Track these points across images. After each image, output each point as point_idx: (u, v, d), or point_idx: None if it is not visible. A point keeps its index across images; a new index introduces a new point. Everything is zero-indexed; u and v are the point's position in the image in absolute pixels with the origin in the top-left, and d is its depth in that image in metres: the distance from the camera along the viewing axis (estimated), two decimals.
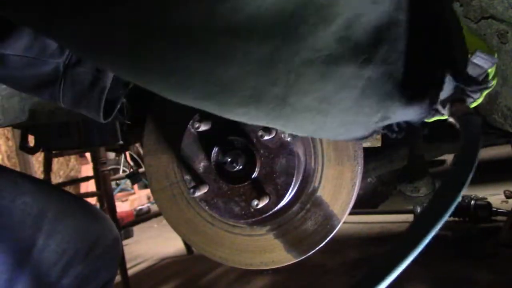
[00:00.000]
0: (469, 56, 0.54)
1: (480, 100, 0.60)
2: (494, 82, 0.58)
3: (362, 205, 2.33)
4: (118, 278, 2.31)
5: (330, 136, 0.52)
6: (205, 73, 0.38)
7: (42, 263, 0.69)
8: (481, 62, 0.54)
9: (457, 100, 0.53)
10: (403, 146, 1.57)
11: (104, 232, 0.81)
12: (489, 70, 0.56)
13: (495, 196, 2.39)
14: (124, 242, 2.79)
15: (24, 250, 0.68)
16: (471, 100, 0.58)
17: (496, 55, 0.55)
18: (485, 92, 0.59)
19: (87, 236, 0.76)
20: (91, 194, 2.89)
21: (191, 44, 0.36)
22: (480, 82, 0.51)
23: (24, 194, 0.71)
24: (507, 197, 2.35)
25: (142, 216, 3.26)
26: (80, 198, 0.88)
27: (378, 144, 0.92)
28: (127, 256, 2.25)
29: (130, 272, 2.33)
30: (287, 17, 0.36)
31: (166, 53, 0.37)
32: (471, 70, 0.54)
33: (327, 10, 0.36)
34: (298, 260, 0.90)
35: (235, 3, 0.34)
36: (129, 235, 3.65)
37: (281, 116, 0.43)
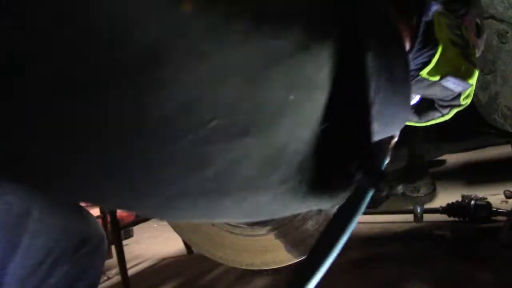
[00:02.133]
0: (438, 79, 0.52)
1: (448, 116, 0.59)
2: (467, 101, 0.56)
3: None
4: (118, 278, 2.31)
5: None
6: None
7: (27, 263, 0.69)
8: (451, 86, 0.53)
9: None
10: (403, 146, 1.57)
11: (90, 231, 0.81)
12: (466, 91, 0.55)
13: (495, 196, 2.39)
14: (124, 242, 2.79)
15: (8, 250, 0.68)
16: (439, 114, 0.58)
17: (474, 76, 0.54)
18: (455, 110, 0.58)
19: (73, 235, 0.77)
20: None
21: None
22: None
23: (6, 194, 0.71)
24: (507, 197, 2.35)
25: (142, 216, 3.26)
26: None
27: None
28: (127, 256, 2.25)
29: (130, 272, 2.33)
30: None
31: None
32: (440, 92, 0.53)
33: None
34: (299, 260, 0.90)
35: None
36: (129, 235, 3.65)
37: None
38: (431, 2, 0.51)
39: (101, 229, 0.86)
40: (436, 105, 0.58)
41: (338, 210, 0.49)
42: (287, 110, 0.36)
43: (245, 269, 0.99)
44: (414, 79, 0.53)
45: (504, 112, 0.97)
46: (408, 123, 0.61)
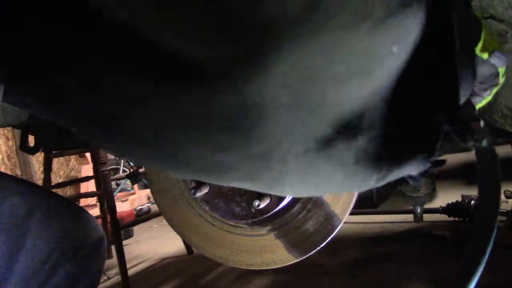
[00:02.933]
0: (488, 56, 0.54)
1: (489, 98, 0.60)
2: (502, 80, 0.57)
3: (362, 205, 2.34)
4: (118, 278, 2.31)
5: (331, 192, 0.54)
6: (204, 158, 0.40)
7: (31, 263, 0.70)
8: (497, 62, 0.55)
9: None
10: None
11: (91, 231, 0.82)
12: (503, 68, 0.56)
13: None
14: (124, 242, 2.79)
15: (13, 249, 0.69)
16: (480, 98, 0.58)
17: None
18: (495, 90, 0.58)
19: (74, 236, 0.78)
20: (91, 194, 2.89)
21: (192, 136, 0.38)
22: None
23: (12, 195, 0.72)
24: (507, 197, 2.35)
25: (142, 216, 3.26)
26: (66, 198, 0.90)
27: None
28: (127, 256, 2.25)
29: (130, 272, 2.33)
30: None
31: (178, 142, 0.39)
32: (487, 69, 0.54)
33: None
34: (299, 260, 0.90)
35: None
36: (129, 235, 3.64)
37: (277, 188, 0.45)
38: None
39: (101, 229, 0.87)
40: (476, 90, 0.58)
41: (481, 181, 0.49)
42: (389, 59, 0.37)
43: (245, 269, 0.99)
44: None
45: (504, 112, 0.97)
46: None
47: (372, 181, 0.44)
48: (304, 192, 0.48)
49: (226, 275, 2.10)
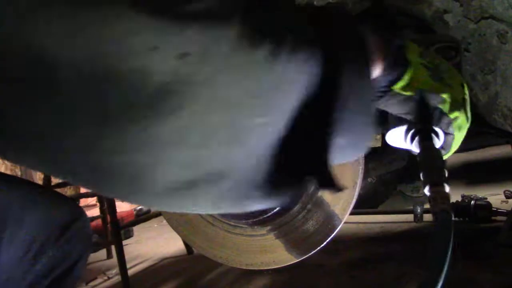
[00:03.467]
0: (412, 93, 0.57)
1: (458, 135, 0.62)
2: (455, 114, 0.60)
3: (362, 205, 2.34)
4: (118, 278, 2.31)
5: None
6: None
7: (12, 254, 0.70)
8: (428, 98, 0.58)
9: (435, 183, 0.57)
10: None
11: (72, 215, 0.82)
12: (445, 105, 0.59)
13: (495, 196, 2.39)
14: (124, 242, 2.79)
15: None
16: (451, 137, 0.61)
17: (448, 93, 0.59)
18: (456, 123, 0.61)
19: (56, 222, 0.78)
20: (91, 194, 2.89)
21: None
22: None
23: None
24: (507, 197, 2.36)
25: (142, 216, 3.26)
26: (41, 185, 0.90)
27: (379, 144, 0.92)
28: (127, 256, 2.25)
29: (130, 272, 2.33)
30: None
31: None
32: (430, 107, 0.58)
33: None
34: (299, 260, 0.90)
35: None
36: (129, 235, 3.65)
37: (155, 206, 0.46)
38: (403, 30, 0.56)
39: (83, 211, 0.87)
40: (443, 132, 0.62)
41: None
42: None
43: (245, 269, 0.99)
44: (386, 94, 0.58)
45: (504, 112, 0.97)
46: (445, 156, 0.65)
47: (234, 210, 0.47)
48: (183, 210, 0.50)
49: (226, 275, 2.10)
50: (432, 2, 0.96)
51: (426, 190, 0.59)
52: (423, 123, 0.61)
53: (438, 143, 0.62)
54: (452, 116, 0.59)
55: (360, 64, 0.47)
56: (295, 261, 0.91)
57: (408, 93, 0.58)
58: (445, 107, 0.59)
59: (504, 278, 1.49)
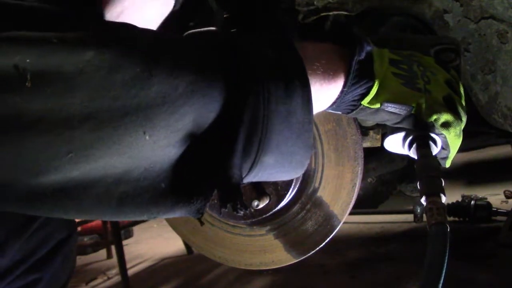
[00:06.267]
0: (379, 106, 0.58)
1: (452, 147, 0.63)
2: (434, 117, 0.60)
3: (362, 205, 2.34)
4: (118, 278, 2.32)
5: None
6: None
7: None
8: (394, 110, 0.59)
9: (432, 194, 0.58)
10: None
11: (69, 229, 0.79)
12: (439, 119, 0.60)
13: (495, 196, 2.39)
14: (124, 242, 2.79)
15: None
16: (446, 152, 0.62)
17: (419, 99, 0.60)
18: (449, 135, 0.61)
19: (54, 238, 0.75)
20: None
21: None
22: None
23: None
24: (507, 197, 2.35)
25: None
26: None
27: (378, 144, 0.92)
28: (127, 256, 2.25)
29: (130, 272, 2.33)
30: None
31: None
32: (388, 116, 0.60)
33: None
34: (298, 260, 0.90)
35: None
36: (129, 235, 3.65)
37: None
38: (364, 44, 0.58)
39: (75, 223, 0.84)
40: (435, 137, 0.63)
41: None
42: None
43: (245, 269, 0.99)
44: (356, 108, 0.59)
45: (504, 112, 0.97)
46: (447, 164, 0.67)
47: (144, 217, 0.48)
48: (85, 217, 0.51)
49: (226, 275, 2.10)
50: (432, 2, 0.96)
51: (423, 200, 0.60)
52: (420, 130, 0.61)
53: (435, 149, 0.62)
54: (430, 119, 0.59)
55: (287, 85, 0.47)
56: (294, 261, 0.90)
57: (375, 107, 0.59)
58: (420, 112, 0.59)
59: (504, 278, 1.49)
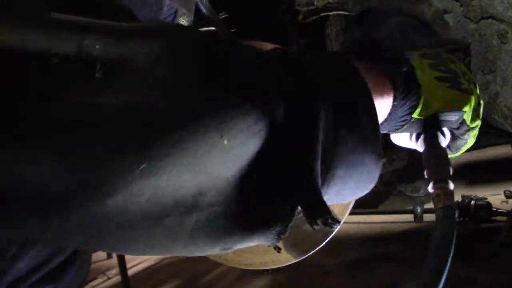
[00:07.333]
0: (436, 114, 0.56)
1: (471, 140, 0.62)
2: (476, 123, 0.59)
3: (362, 205, 2.34)
4: (118, 278, 2.31)
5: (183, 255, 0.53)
6: None
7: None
8: (446, 118, 0.57)
9: (440, 180, 0.56)
10: None
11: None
12: (467, 116, 0.58)
13: (495, 196, 2.39)
14: None
15: None
16: (464, 141, 0.61)
17: (469, 102, 0.57)
18: (473, 133, 0.60)
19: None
20: None
21: None
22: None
23: None
24: (507, 197, 2.35)
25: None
26: None
27: None
28: (127, 256, 2.25)
29: (130, 272, 2.33)
30: None
31: None
32: (444, 124, 0.58)
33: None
34: (298, 260, 0.90)
35: None
36: None
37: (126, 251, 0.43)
38: (404, 54, 0.56)
39: None
40: (457, 135, 0.61)
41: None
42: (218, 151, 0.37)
43: (245, 269, 0.99)
44: (407, 122, 0.57)
45: (504, 112, 0.97)
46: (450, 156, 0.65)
47: (217, 250, 0.43)
48: (154, 253, 0.45)
49: (226, 275, 2.10)
50: (432, 2, 0.96)
51: (430, 187, 0.58)
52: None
53: (444, 141, 0.61)
54: (473, 125, 0.58)
55: (354, 100, 0.46)
56: (294, 261, 0.91)
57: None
58: (467, 117, 0.57)
59: (504, 278, 1.49)
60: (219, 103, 0.36)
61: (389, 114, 0.55)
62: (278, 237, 0.43)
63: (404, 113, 0.56)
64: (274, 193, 0.41)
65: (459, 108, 0.56)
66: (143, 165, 0.31)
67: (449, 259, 0.49)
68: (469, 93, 0.57)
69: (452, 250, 0.50)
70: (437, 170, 0.58)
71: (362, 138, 0.46)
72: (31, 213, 0.32)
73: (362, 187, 0.50)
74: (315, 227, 0.43)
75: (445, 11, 0.95)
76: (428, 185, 0.59)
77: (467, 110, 0.57)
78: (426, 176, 0.59)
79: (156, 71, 0.34)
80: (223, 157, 0.37)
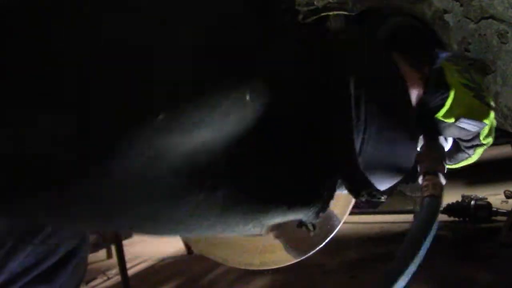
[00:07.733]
0: (453, 121, 0.56)
1: (475, 156, 0.61)
2: (488, 140, 0.59)
3: (362, 205, 2.34)
4: (118, 278, 2.31)
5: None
6: None
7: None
8: (467, 127, 0.56)
9: (429, 172, 0.55)
10: None
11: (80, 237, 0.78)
12: (484, 130, 0.58)
13: (495, 196, 2.39)
14: (124, 242, 2.79)
15: None
16: (466, 156, 0.60)
17: (489, 116, 0.57)
18: (479, 150, 0.60)
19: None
20: None
21: None
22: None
23: None
24: (507, 197, 2.35)
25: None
26: None
27: None
28: (127, 256, 2.25)
29: (130, 272, 2.33)
30: None
31: None
32: (458, 133, 0.57)
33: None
34: (298, 260, 0.90)
35: None
36: (129, 235, 3.65)
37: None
38: (438, 52, 0.56)
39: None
40: (462, 147, 0.60)
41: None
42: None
43: (245, 269, 0.99)
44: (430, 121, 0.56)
45: (504, 112, 0.97)
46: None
47: (249, 227, 0.41)
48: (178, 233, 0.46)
49: (226, 275, 2.10)
50: (432, 2, 0.96)
51: (420, 179, 0.57)
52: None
53: (445, 144, 0.61)
54: (485, 141, 0.58)
55: (388, 84, 0.46)
56: (294, 261, 0.91)
57: (449, 121, 0.56)
58: (484, 132, 0.57)
59: (504, 278, 1.49)
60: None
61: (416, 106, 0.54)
62: (317, 215, 0.42)
63: (428, 110, 0.56)
64: (313, 169, 0.40)
65: (481, 119, 0.56)
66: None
67: (422, 248, 0.47)
68: (491, 108, 0.57)
69: (428, 240, 0.47)
70: (429, 164, 0.57)
71: (395, 118, 0.46)
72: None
73: (397, 167, 0.50)
74: (361, 198, 0.42)
75: (445, 11, 0.95)
76: (418, 177, 0.58)
77: (488, 123, 0.57)
78: (418, 170, 0.59)
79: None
80: (245, 116, 0.35)
